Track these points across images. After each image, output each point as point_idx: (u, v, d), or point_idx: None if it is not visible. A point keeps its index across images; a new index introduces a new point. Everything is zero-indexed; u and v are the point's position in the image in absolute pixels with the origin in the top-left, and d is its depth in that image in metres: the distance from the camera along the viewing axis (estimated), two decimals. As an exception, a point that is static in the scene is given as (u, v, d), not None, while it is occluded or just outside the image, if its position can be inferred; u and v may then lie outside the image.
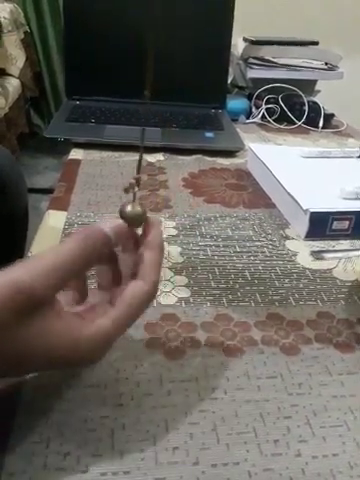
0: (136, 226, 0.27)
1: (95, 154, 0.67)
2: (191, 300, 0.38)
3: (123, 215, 0.27)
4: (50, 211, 0.51)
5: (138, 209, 0.27)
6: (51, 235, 0.46)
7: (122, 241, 0.27)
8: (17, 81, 1.78)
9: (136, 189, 0.27)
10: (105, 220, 0.26)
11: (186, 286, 0.40)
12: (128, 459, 0.25)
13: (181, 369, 0.31)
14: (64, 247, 0.24)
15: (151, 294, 0.26)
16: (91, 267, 0.26)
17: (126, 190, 0.27)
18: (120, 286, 0.27)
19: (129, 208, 0.27)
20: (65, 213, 0.50)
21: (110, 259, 0.28)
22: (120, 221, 0.26)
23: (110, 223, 0.26)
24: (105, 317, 0.24)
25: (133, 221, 0.27)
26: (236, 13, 0.83)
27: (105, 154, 0.67)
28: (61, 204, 0.52)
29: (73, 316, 0.24)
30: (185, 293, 0.39)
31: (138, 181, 0.27)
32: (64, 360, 0.24)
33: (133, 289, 0.25)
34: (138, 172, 0.27)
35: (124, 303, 0.25)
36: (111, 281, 0.29)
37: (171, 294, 0.38)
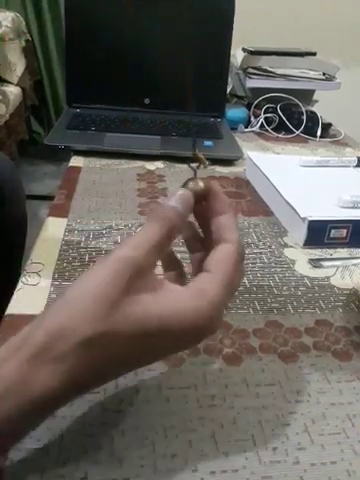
0: (199, 202, 0.28)
1: (95, 162, 0.68)
2: (190, 307, 0.38)
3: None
4: (50, 218, 0.51)
5: (201, 185, 0.27)
6: (51, 242, 0.46)
7: (191, 208, 0.27)
8: (18, 89, 1.80)
9: (196, 165, 0.27)
10: (170, 195, 0.26)
11: (185, 293, 0.40)
12: (127, 466, 0.25)
13: (180, 376, 0.31)
14: (146, 228, 0.24)
15: (239, 252, 0.26)
16: (172, 241, 0.26)
17: (191, 162, 0.28)
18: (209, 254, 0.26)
19: (191, 184, 0.27)
20: (65, 220, 0.51)
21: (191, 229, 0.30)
22: (182, 190, 0.27)
23: (175, 197, 0.26)
24: (210, 283, 0.24)
25: (196, 197, 0.27)
26: (235, 24, 0.84)
27: (105, 162, 0.68)
28: (61, 211, 0.52)
29: (179, 286, 0.25)
30: (184, 300, 0.39)
31: (197, 157, 0.27)
32: (184, 330, 0.23)
33: (222, 251, 0.26)
34: (194, 150, 0.27)
35: (220, 266, 0.25)
36: (200, 248, 0.29)
37: (170, 301, 0.39)
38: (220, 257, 0.25)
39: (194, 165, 0.27)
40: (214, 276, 0.24)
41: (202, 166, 0.28)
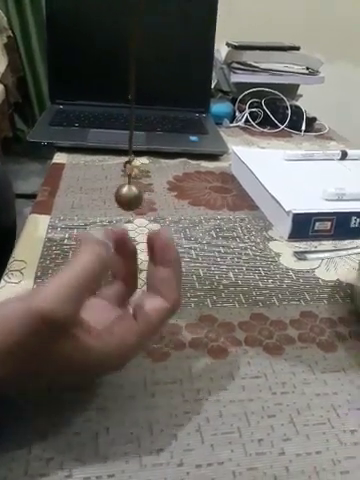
0: (133, 208, 0.27)
1: (79, 158, 0.67)
2: (175, 302, 0.38)
3: (119, 197, 0.27)
4: (33, 215, 0.50)
5: (134, 190, 0.27)
6: (34, 239, 0.45)
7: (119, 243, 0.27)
8: (1, 86, 1.77)
9: (129, 171, 0.27)
10: (96, 231, 0.26)
11: (170, 288, 0.40)
12: (112, 462, 0.25)
13: (165, 371, 0.31)
14: (74, 268, 0.23)
15: (172, 311, 0.27)
16: (103, 278, 0.25)
17: (125, 165, 0.27)
18: (143, 299, 0.27)
19: (125, 190, 0.27)
20: (48, 217, 0.50)
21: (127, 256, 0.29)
22: (110, 229, 0.27)
23: (103, 232, 0.26)
24: (131, 334, 0.25)
25: (129, 203, 0.27)
26: (218, 18, 0.84)
27: (89, 158, 0.67)
28: (44, 208, 0.52)
29: (102, 332, 0.25)
30: (169, 295, 0.39)
31: (130, 162, 0.27)
32: (95, 371, 0.26)
33: (156, 307, 0.26)
34: (130, 153, 0.27)
35: (148, 321, 0.26)
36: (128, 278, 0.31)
37: (155, 296, 0.38)
38: (152, 312, 0.26)
39: (129, 168, 0.27)
40: (139, 331, 0.26)
41: (136, 169, 0.28)
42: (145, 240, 0.28)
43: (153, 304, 0.26)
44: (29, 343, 0.22)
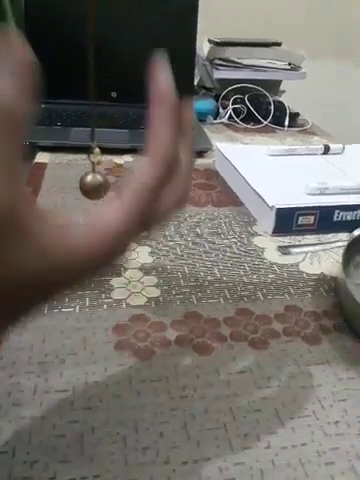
0: (98, 197, 0.27)
1: (62, 157, 0.66)
2: (161, 299, 0.38)
3: (83, 186, 0.26)
4: (15, 216, 0.49)
5: (98, 178, 0.26)
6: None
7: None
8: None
9: (94, 159, 0.26)
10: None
11: (156, 286, 0.40)
12: (97, 463, 0.25)
13: (150, 369, 0.31)
14: None
15: (153, 185, 0.20)
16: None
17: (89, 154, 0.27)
18: None
19: (89, 178, 0.26)
20: (31, 217, 0.49)
21: None
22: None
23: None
24: (105, 215, 0.19)
25: (94, 191, 0.26)
26: (200, 15, 0.84)
27: (72, 157, 0.66)
28: (26, 208, 0.51)
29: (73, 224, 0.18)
30: (155, 293, 0.39)
31: (91, 149, 0.26)
32: (76, 264, 0.18)
33: (137, 174, 0.20)
34: (92, 140, 0.26)
35: (127, 192, 0.19)
36: None
37: (141, 294, 0.38)
38: (132, 180, 0.20)
39: (93, 156, 0.26)
40: (116, 205, 0.19)
41: (100, 157, 0.27)
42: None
43: (128, 183, 0.20)
44: None
